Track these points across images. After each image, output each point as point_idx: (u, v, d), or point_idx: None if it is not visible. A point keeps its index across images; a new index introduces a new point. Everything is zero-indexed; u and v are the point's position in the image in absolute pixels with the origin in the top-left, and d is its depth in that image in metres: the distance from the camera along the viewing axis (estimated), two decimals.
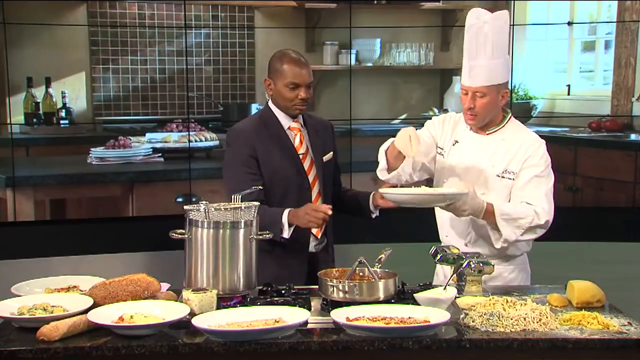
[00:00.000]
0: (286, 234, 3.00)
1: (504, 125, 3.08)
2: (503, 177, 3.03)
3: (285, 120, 3.16)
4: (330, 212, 2.93)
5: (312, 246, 3.16)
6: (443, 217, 3.16)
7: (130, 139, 5.36)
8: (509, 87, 3.11)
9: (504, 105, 3.08)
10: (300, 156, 3.15)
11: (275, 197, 3.09)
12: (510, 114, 3.11)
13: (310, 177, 3.15)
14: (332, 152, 3.24)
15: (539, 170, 3.00)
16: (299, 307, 2.54)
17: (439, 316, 2.42)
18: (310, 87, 3.12)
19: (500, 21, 2.99)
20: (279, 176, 3.11)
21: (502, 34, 2.99)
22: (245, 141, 3.12)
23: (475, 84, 2.97)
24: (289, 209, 3.00)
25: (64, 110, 5.30)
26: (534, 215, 2.95)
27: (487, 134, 3.08)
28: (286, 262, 3.07)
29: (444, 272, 3.14)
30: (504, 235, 2.94)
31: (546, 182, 3.02)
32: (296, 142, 3.16)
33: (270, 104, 3.19)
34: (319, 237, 3.17)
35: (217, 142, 5.47)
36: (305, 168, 3.15)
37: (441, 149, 3.16)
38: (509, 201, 3.03)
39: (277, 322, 2.37)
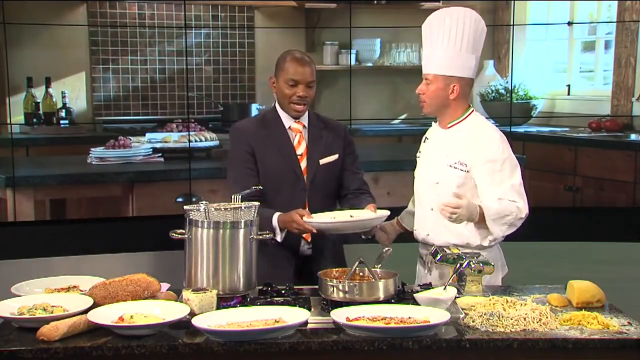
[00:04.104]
0: (279, 237, 3.01)
1: (463, 119, 3.13)
2: (455, 167, 3.07)
3: (287, 120, 3.18)
4: (314, 231, 2.95)
5: (304, 248, 3.16)
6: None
7: (130, 139, 5.36)
8: (469, 85, 3.14)
9: (457, 99, 3.08)
10: (298, 156, 3.16)
11: (268, 195, 3.09)
12: (471, 109, 3.15)
13: (307, 178, 3.16)
14: (336, 155, 3.22)
15: (497, 165, 3.03)
16: (299, 307, 2.54)
17: (439, 316, 2.42)
18: (311, 86, 3.13)
19: (465, 17, 3.05)
20: (272, 174, 3.12)
21: (461, 28, 3.04)
22: (242, 138, 3.17)
23: (425, 70, 3.10)
24: (277, 214, 3.01)
25: (64, 110, 5.30)
26: (516, 211, 3.00)
27: (448, 128, 3.14)
28: (276, 262, 3.07)
29: (423, 270, 3.19)
30: (494, 234, 3.00)
31: (509, 177, 3.03)
32: (295, 142, 3.17)
33: (276, 104, 3.22)
34: (309, 240, 3.16)
35: (217, 142, 5.47)
36: (302, 168, 3.15)
37: (419, 152, 3.27)
38: (461, 193, 3.05)
39: (277, 322, 2.37)
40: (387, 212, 3.03)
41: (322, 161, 3.18)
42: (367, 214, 3.01)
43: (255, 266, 2.70)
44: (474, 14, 3.08)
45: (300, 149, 3.17)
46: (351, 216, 3.00)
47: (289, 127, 3.18)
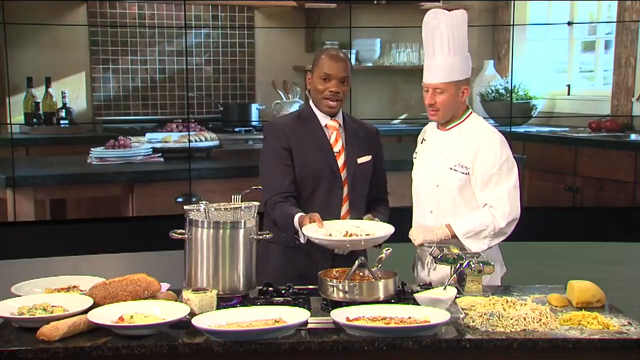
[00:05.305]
0: (302, 239, 2.96)
1: (462, 121, 3.13)
2: (455, 170, 3.07)
3: (323, 118, 3.17)
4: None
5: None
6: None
7: (130, 139, 5.36)
8: (470, 84, 3.17)
9: (463, 101, 3.12)
10: (335, 154, 3.16)
11: (306, 191, 3.09)
12: (470, 110, 3.16)
13: (343, 176, 3.15)
14: (370, 156, 3.21)
15: (495, 168, 3.03)
16: (299, 307, 2.53)
17: (439, 316, 2.42)
18: (345, 83, 3.12)
19: (457, 19, 3.06)
20: (310, 170, 3.10)
21: (458, 32, 3.05)
22: (280, 134, 3.14)
23: (433, 80, 3.07)
24: (299, 214, 2.96)
25: (64, 110, 5.30)
26: (492, 221, 2.99)
27: (447, 129, 3.14)
28: (314, 260, 3.04)
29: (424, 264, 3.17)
30: (474, 250, 2.98)
31: (506, 179, 3.03)
32: (332, 140, 3.17)
33: (310, 102, 3.22)
34: None
35: (217, 142, 5.48)
36: (339, 165, 3.15)
37: (416, 153, 3.26)
38: (462, 195, 3.07)
39: (277, 322, 2.37)
40: (391, 230, 2.92)
41: (359, 160, 3.18)
42: (370, 228, 2.93)
43: (256, 266, 2.70)
44: (458, 13, 3.09)
45: (337, 147, 3.16)
46: (348, 234, 2.87)
47: (325, 125, 3.17)
